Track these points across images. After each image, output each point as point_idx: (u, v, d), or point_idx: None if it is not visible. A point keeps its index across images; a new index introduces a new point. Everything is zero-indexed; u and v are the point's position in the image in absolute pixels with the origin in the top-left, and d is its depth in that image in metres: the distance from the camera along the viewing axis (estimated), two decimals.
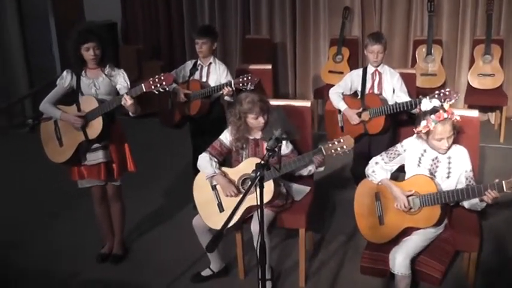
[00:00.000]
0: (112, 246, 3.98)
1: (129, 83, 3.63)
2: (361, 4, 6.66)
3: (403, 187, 3.11)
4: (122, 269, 3.85)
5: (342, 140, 3.15)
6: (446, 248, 3.11)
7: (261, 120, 3.38)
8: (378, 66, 4.25)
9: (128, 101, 3.43)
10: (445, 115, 3.00)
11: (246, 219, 3.44)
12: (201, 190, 3.47)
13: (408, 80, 4.48)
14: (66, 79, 3.61)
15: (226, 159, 3.61)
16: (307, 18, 6.96)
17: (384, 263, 3.09)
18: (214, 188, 3.44)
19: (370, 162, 3.29)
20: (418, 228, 3.09)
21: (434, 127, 3.02)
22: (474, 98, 5.84)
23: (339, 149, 3.15)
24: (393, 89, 4.23)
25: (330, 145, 3.17)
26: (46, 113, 3.63)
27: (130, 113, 3.55)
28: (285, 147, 3.45)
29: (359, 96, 4.32)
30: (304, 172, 3.50)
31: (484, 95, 5.87)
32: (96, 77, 3.59)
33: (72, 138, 3.61)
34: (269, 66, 5.16)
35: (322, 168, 3.45)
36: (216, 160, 3.45)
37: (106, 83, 3.60)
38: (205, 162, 3.43)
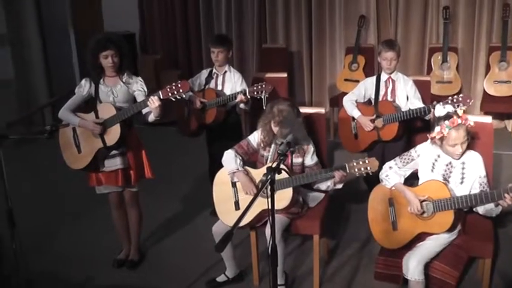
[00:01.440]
0: (128, 252, 4.03)
1: (146, 89, 3.68)
2: (376, 12, 6.67)
3: (416, 192, 3.12)
4: (137, 275, 3.90)
5: (367, 161, 3.16)
6: (460, 254, 3.10)
7: (279, 131, 3.39)
8: (391, 73, 4.26)
9: (155, 102, 3.43)
10: (459, 121, 3.01)
11: (262, 224, 3.47)
12: (221, 186, 3.52)
13: (423, 87, 4.49)
14: (84, 87, 3.67)
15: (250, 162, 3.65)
16: (323, 27, 6.99)
17: (398, 268, 3.09)
18: (234, 185, 3.48)
19: (383, 167, 3.31)
20: (432, 234, 3.09)
21: (448, 133, 3.02)
22: (490, 105, 5.81)
23: (362, 169, 3.17)
24: (407, 96, 4.24)
25: (355, 164, 3.19)
26: (65, 120, 3.69)
27: (153, 117, 3.56)
28: (310, 159, 3.49)
29: (373, 104, 4.33)
30: (323, 186, 3.51)
31: (500, 102, 5.83)
32: (114, 85, 3.66)
33: (90, 145, 3.67)
34: (284, 75, 5.19)
35: (340, 186, 3.43)
36: (241, 158, 3.50)
37: (124, 91, 3.66)
38: (230, 158, 3.47)
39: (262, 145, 3.53)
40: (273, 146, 3.51)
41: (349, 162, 3.22)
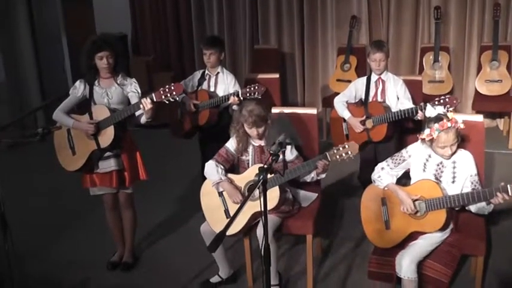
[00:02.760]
0: (122, 254, 4.04)
1: (140, 91, 3.69)
2: (368, 13, 6.70)
3: (409, 192, 3.13)
4: (132, 277, 3.91)
5: (346, 146, 3.18)
6: (452, 252, 3.12)
7: (255, 131, 3.43)
8: (380, 74, 4.29)
9: (147, 105, 3.44)
10: (449, 124, 3.03)
11: (253, 225, 3.48)
12: (209, 197, 3.52)
13: (415, 86, 4.52)
14: (79, 89, 3.68)
15: (235, 167, 3.66)
16: (315, 27, 7.01)
17: (391, 267, 3.11)
18: (221, 194, 3.48)
19: (376, 168, 3.33)
20: (425, 233, 3.11)
21: (438, 135, 3.05)
22: (482, 104, 5.84)
23: (343, 154, 3.18)
24: (397, 96, 4.26)
25: (335, 151, 3.21)
26: (59, 121, 3.69)
27: (145, 119, 3.57)
28: (290, 154, 3.49)
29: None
30: (308, 178, 3.52)
31: (492, 101, 5.87)
32: (109, 86, 3.66)
33: (85, 146, 3.68)
34: (277, 75, 5.20)
35: (323, 175, 3.46)
36: (222, 167, 3.50)
37: (118, 93, 3.67)
38: (212, 169, 3.48)
39: (237, 148, 3.53)
40: (250, 148, 3.52)
41: (329, 150, 3.23)
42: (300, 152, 3.58)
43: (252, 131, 3.43)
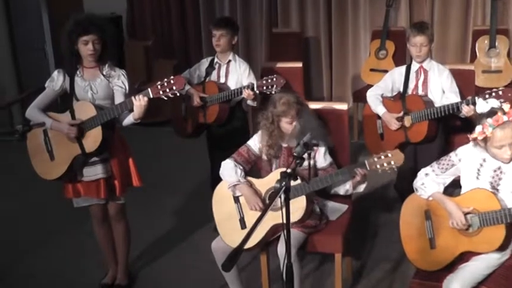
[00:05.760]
0: (115, 275, 4.04)
1: (127, 86, 3.64)
2: None
3: (459, 203, 3.10)
4: None
5: (389, 155, 3.17)
6: None
7: (296, 124, 3.43)
8: (422, 61, 4.27)
9: (142, 102, 3.40)
10: (505, 118, 2.99)
11: (272, 241, 3.47)
12: (222, 202, 3.53)
13: (465, 78, 4.50)
14: (57, 81, 3.63)
15: (253, 169, 3.66)
16: (344, 6, 7.01)
17: None
18: (237, 200, 3.49)
19: (418, 174, 3.29)
20: (478, 253, 3.07)
21: (492, 133, 3.00)
22: None
23: (385, 164, 3.17)
24: (443, 89, 4.24)
25: (376, 159, 3.19)
26: (33, 120, 3.63)
27: (131, 119, 3.53)
28: (323, 160, 3.51)
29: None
30: (341, 190, 3.53)
31: None
32: (93, 78, 3.63)
33: (66, 151, 3.62)
34: (299, 65, 5.21)
35: (362, 189, 3.47)
36: (241, 168, 3.50)
37: (104, 86, 3.63)
38: (229, 169, 3.49)
39: (267, 150, 3.53)
40: (283, 148, 3.51)
41: (368, 158, 3.22)
42: (332, 157, 3.59)
43: (294, 125, 3.43)
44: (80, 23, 3.53)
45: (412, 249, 3.26)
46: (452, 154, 3.28)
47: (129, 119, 3.56)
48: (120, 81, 3.64)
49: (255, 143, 3.58)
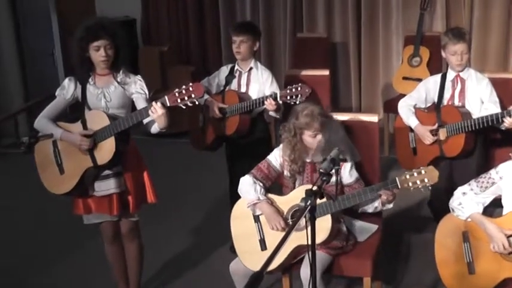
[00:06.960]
0: None
1: (147, 91, 3.67)
2: None
3: (500, 225, 3.08)
4: None
5: (423, 172, 3.14)
6: None
7: (320, 138, 3.41)
8: (461, 70, 4.24)
9: (158, 111, 3.38)
10: None
11: (294, 263, 3.45)
12: (241, 221, 3.52)
13: (506, 87, 4.46)
14: (68, 89, 3.66)
15: (275, 186, 3.65)
16: (375, 10, 7.00)
17: None
18: (257, 219, 3.48)
19: (455, 193, 3.28)
20: None
21: None
22: None
23: (418, 182, 3.15)
24: (481, 100, 4.21)
25: (408, 176, 3.17)
26: (42, 131, 3.66)
27: (157, 128, 3.53)
28: (348, 176, 3.50)
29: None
30: (370, 209, 3.52)
31: None
32: (107, 85, 3.65)
33: (77, 163, 3.63)
34: (326, 72, 5.21)
35: (391, 205, 3.46)
36: (261, 185, 3.49)
37: (119, 93, 3.65)
38: (248, 185, 3.48)
39: (290, 165, 3.51)
40: (306, 163, 3.50)
41: (400, 175, 3.20)
42: (357, 171, 3.56)
43: (317, 139, 3.43)
44: (90, 28, 3.55)
45: (449, 274, 3.24)
46: (492, 171, 3.25)
47: (154, 128, 3.56)
48: (137, 87, 3.65)
49: (276, 157, 3.58)
